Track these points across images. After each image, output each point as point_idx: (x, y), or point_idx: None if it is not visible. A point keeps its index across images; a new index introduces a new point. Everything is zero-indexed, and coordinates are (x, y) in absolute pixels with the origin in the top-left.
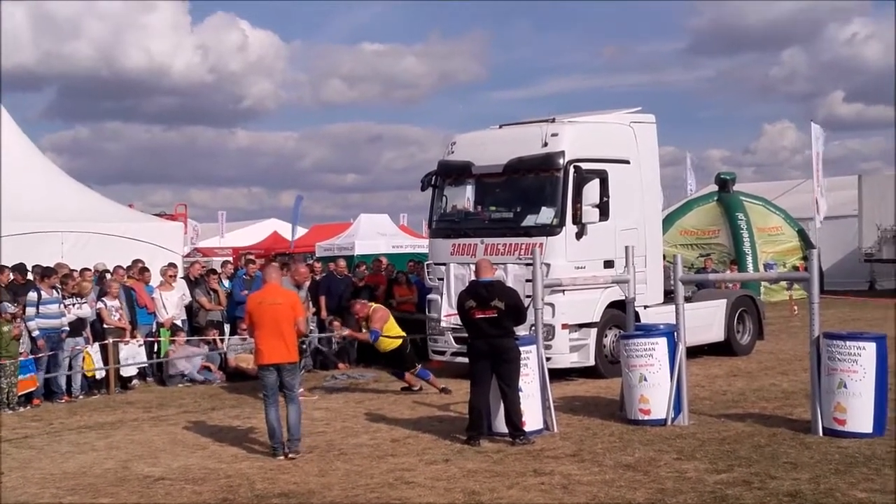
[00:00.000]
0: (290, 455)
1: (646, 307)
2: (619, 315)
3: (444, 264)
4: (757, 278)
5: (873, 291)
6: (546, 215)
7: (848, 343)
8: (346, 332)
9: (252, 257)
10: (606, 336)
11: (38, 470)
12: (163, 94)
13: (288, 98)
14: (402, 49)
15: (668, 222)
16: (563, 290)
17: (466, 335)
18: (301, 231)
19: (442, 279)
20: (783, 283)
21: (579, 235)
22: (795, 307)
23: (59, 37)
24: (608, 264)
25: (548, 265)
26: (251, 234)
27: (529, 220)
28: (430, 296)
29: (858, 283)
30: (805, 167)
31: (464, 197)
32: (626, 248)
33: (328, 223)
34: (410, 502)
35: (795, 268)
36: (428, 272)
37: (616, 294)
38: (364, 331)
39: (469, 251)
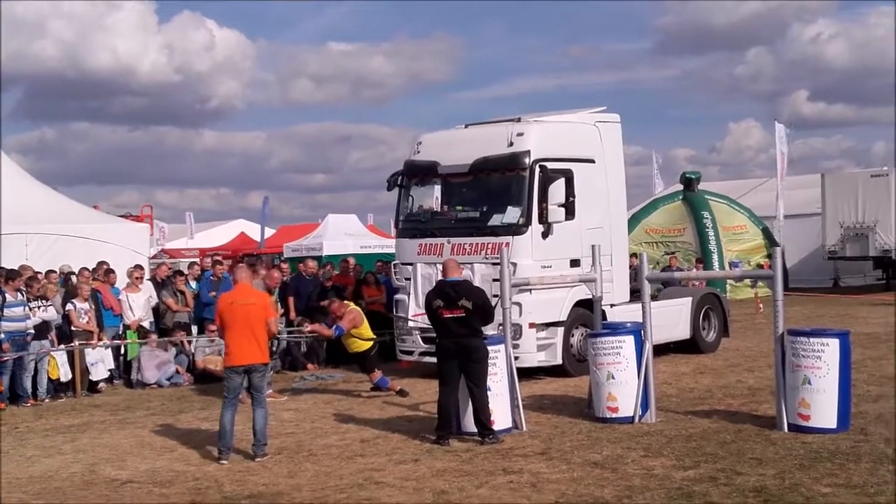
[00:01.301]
0: (258, 459)
1: (612, 306)
2: (586, 314)
3: (411, 264)
4: (722, 276)
5: (837, 288)
6: (512, 215)
7: (812, 340)
8: (309, 327)
9: (219, 258)
10: (573, 335)
11: (3, 474)
12: (129, 94)
13: (255, 98)
14: (370, 49)
15: (633, 221)
16: (530, 290)
17: (434, 335)
18: (269, 232)
19: (409, 279)
20: (748, 281)
21: (545, 235)
22: (760, 305)
23: (25, 37)
24: (574, 263)
25: (514, 264)
26: (219, 235)
27: (496, 220)
28: (397, 296)
29: (822, 280)
30: (770, 166)
31: (430, 197)
32: (593, 247)
33: (296, 224)
34: (380, 502)
35: (760, 266)
36: (395, 272)
37: (583, 293)
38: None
39: (436, 251)
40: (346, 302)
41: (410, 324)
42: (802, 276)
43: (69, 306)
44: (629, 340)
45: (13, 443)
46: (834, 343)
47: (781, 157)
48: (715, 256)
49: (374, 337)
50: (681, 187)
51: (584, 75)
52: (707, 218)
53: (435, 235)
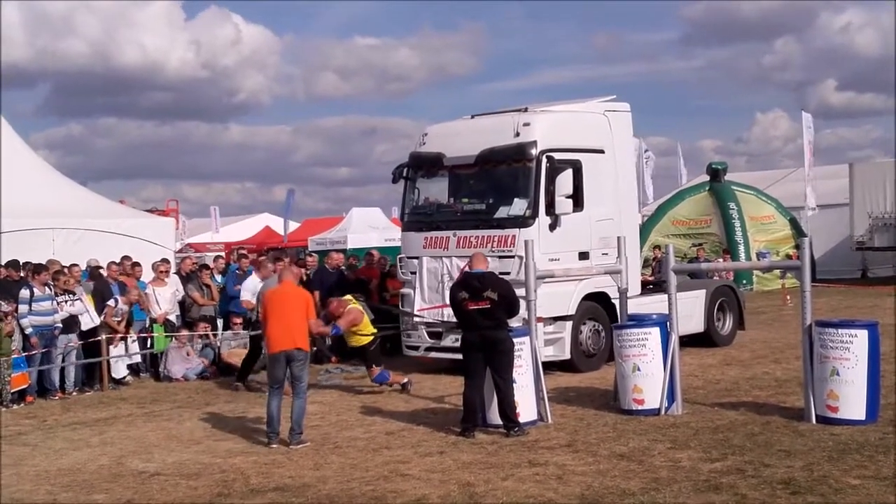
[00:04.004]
0: (292, 446)
1: None
2: (595, 307)
3: (416, 258)
4: (749, 267)
5: (865, 279)
6: (518, 206)
7: (840, 331)
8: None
9: (244, 252)
10: (582, 329)
11: (32, 467)
12: (157, 89)
13: (281, 92)
14: (395, 42)
15: (659, 212)
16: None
17: (439, 330)
18: (293, 225)
19: (415, 273)
20: (776, 272)
21: (553, 227)
22: (788, 296)
23: (53, 34)
24: (583, 256)
25: (521, 258)
26: (244, 229)
27: (502, 212)
28: (402, 290)
29: (850, 271)
30: (797, 156)
31: (436, 189)
32: (619, 238)
33: (320, 217)
34: (406, 494)
35: (788, 256)
36: (401, 266)
37: (591, 286)
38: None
39: (441, 244)
40: (345, 300)
41: (416, 319)
42: (830, 267)
43: (111, 302)
44: (655, 332)
45: (41, 436)
46: (862, 334)
47: (809, 146)
48: (741, 247)
49: (375, 331)
50: (707, 178)
51: (609, 66)
52: (733, 209)
53: (440, 228)
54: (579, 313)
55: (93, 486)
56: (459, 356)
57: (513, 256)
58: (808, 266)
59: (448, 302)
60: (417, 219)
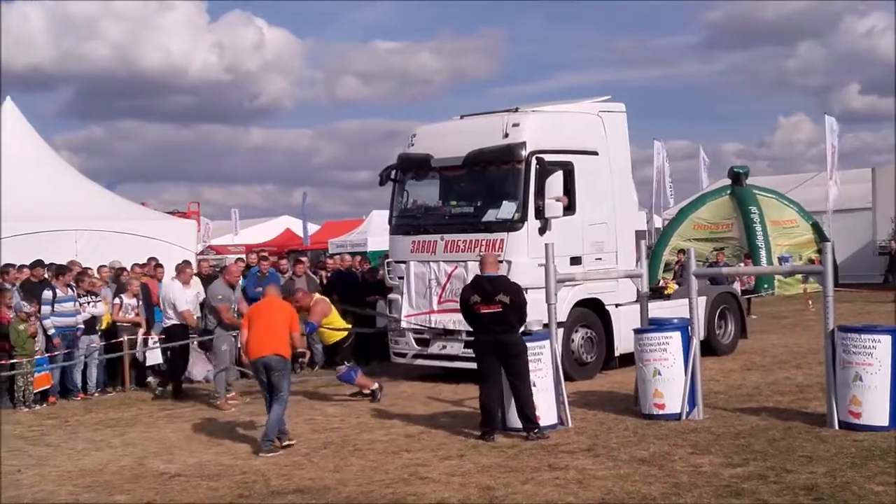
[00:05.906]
0: (262, 454)
1: (617, 305)
2: (587, 314)
3: (404, 262)
4: (770, 272)
5: (888, 284)
6: (507, 210)
7: (863, 336)
8: None
9: (265, 254)
10: (574, 337)
11: (54, 467)
12: (179, 92)
13: (303, 96)
14: (416, 46)
15: (681, 216)
16: (527, 289)
17: (428, 336)
18: (314, 228)
19: (402, 278)
20: (799, 277)
21: (542, 231)
22: (810, 300)
23: (77, 37)
24: (575, 261)
25: (509, 262)
26: (264, 231)
27: (490, 216)
28: (390, 296)
29: (873, 275)
30: (820, 160)
31: (424, 191)
32: (638, 241)
33: (341, 220)
34: (425, 497)
35: (811, 261)
36: (388, 271)
37: (584, 293)
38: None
39: (429, 248)
40: (312, 293)
41: (403, 324)
42: (853, 272)
43: (116, 301)
44: (676, 336)
45: (63, 436)
46: (886, 339)
47: (832, 150)
48: (763, 252)
49: (348, 326)
50: (729, 182)
51: (629, 70)
52: (755, 213)
53: (428, 232)
54: (570, 320)
55: (114, 486)
56: (447, 363)
57: (502, 261)
58: (831, 270)
59: (435, 308)
60: (405, 222)
